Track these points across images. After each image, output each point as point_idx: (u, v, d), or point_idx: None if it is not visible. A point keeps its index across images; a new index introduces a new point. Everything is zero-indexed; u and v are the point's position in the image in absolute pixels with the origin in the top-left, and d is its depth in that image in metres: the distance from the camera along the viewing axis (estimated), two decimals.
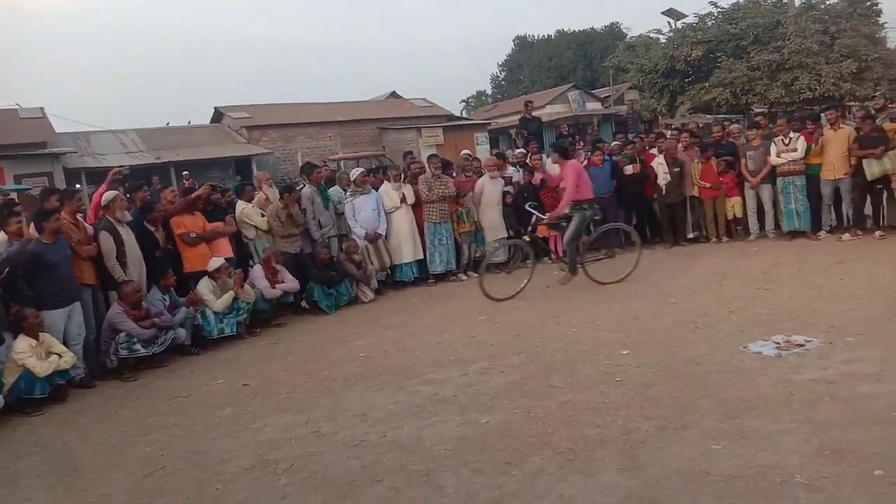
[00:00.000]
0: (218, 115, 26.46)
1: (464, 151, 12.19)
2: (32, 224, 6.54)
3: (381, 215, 9.35)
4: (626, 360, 5.33)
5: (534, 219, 8.42)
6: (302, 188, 9.47)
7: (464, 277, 9.72)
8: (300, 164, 20.86)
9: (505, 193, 10.03)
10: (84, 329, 6.55)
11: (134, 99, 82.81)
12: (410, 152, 11.91)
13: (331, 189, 9.65)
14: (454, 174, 10.30)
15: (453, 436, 4.29)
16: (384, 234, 9.31)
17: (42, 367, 5.80)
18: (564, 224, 8.09)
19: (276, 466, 4.14)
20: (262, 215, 8.69)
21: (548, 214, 8.32)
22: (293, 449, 4.36)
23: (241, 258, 8.48)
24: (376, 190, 9.54)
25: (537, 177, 9.19)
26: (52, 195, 7.21)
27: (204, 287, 7.38)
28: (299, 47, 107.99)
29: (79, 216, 7.02)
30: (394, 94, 33.33)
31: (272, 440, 4.58)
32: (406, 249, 9.44)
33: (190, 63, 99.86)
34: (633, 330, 6.15)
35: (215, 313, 7.30)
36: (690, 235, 10.61)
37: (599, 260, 8.44)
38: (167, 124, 26.74)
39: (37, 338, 5.96)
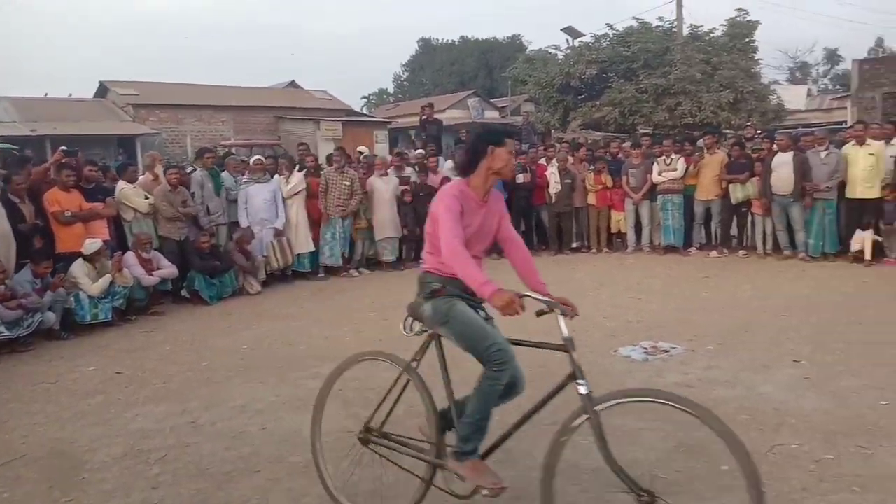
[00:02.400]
0: (102, 90, 24.93)
1: (359, 147, 12.23)
2: None
3: (280, 205, 9.18)
4: None
5: None
6: (193, 171, 9.16)
7: (355, 274, 9.72)
8: (189, 148, 20.15)
9: (403, 192, 10.14)
10: None
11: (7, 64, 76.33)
12: (305, 144, 11.72)
13: (223, 174, 9.39)
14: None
15: (336, 429, 4.30)
16: (281, 226, 9.13)
17: None
18: None
19: (149, 456, 4.01)
20: (146, 197, 8.32)
21: None
22: (167, 439, 4.24)
23: (121, 241, 8.09)
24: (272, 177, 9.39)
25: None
26: None
27: (79, 269, 6.99)
28: (196, 26, 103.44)
29: None
30: (293, 84, 32.60)
31: (145, 430, 4.43)
32: (300, 240, 9.35)
33: (74, 34, 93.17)
34: (512, 333, 6.36)
35: (90, 297, 6.94)
36: (574, 245, 11.14)
37: None
38: (45, 95, 24.94)
39: None
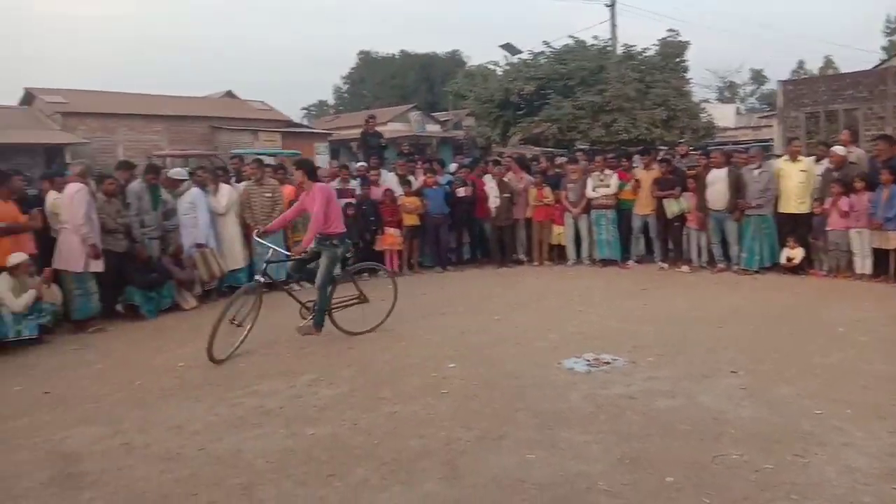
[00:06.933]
0: (29, 98, 23.96)
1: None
2: None
3: (204, 219, 8.92)
4: (452, 372, 5.51)
5: (269, 253, 6.60)
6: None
7: (297, 287, 9.51)
8: (121, 158, 19.47)
9: (347, 206, 10.03)
10: None
11: None
12: (238, 155, 11.39)
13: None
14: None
15: (277, 448, 4.19)
16: (205, 240, 8.87)
17: None
18: (312, 266, 6.80)
19: (80, 480, 3.81)
20: None
21: (293, 249, 7.14)
22: (99, 462, 4.04)
23: (47, 255, 7.69)
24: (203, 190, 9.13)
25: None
26: None
27: (2, 284, 6.63)
28: (131, 36, 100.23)
29: None
30: (229, 94, 32.04)
31: (76, 453, 4.21)
32: (234, 256, 9.12)
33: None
34: (459, 344, 6.37)
35: (13, 313, 6.58)
36: (517, 257, 11.23)
37: (349, 305, 7.09)
38: None
39: None
